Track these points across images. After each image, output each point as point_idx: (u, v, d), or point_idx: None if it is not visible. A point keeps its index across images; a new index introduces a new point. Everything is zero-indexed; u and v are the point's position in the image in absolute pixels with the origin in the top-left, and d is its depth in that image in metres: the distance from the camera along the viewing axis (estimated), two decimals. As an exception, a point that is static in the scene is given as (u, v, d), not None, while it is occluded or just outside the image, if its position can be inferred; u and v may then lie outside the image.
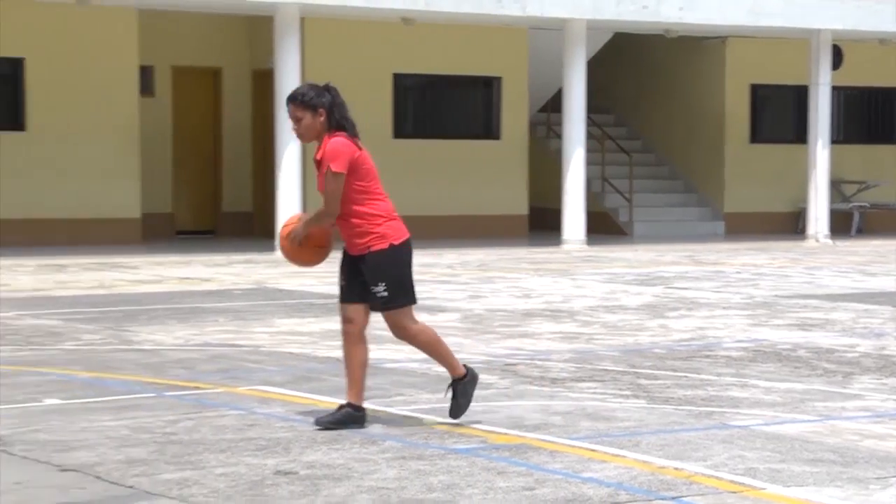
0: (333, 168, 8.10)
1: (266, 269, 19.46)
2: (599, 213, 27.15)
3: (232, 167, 25.86)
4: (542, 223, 26.45)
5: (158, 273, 18.65)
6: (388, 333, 12.75)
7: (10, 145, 22.71)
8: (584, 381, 10.35)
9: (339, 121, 8.22)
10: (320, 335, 12.70)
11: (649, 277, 18.86)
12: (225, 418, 8.73)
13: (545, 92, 27.26)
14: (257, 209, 25.66)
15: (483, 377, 10.43)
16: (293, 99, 8.21)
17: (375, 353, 11.60)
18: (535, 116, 28.19)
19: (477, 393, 9.68)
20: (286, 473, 7.25)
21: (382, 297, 8.31)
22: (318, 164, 8.22)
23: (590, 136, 25.73)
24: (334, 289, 15.18)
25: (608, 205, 27.89)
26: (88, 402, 9.25)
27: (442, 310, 14.82)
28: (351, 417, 8.37)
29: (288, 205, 21.94)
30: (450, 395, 8.52)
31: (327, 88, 8.26)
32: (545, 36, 25.68)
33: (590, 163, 25.58)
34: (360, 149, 8.30)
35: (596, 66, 26.38)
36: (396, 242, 8.33)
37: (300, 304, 15.40)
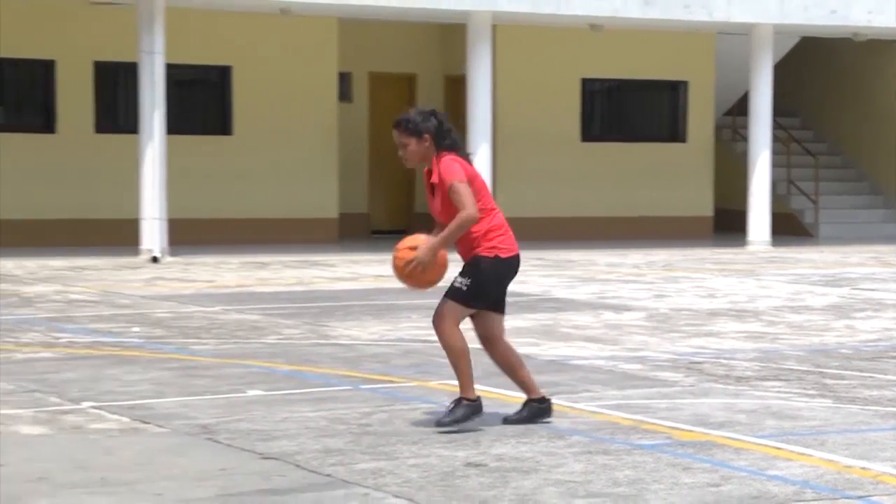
0: (457, 179, 8.03)
1: (456, 267, 19.51)
2: (785, 214, 26.77)
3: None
4: (727, 225, 26.19)
5: (354, 271, 18.84)
6: (576, 332, 12.76)
7: (218, 149, 23.15)
8: (768, 380, 10.22)
9: (448, 144, 8.15)
10: (510, 331, 12.68)
11: (835, 278, 18.54)
12: (417, 411, 8.78)
13: (731, 95, 26.97)
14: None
15: (668, 375, 10.38)
16: (398, 125, 8.14)
17: (562, 350, 11.62)
18: (721, 120, 27.90)
19: (662, 390, 9.65)
20: (476, 465, 7.27)
21: (458, 287, 8.18)
22: (436, 186, 8.14)
23: (775, 138, 25.40)
24: (524, 288, 15.22)
25: (794, 206, 27.48)
26: (289, 394, 9.39)
27: (627, 308, 14.74)
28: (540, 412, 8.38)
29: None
30: (450, 406, 8.26)
31: (433, 113, 8.19)
32: (732, 40, 25.40)
33: (775, 165, 25.30)
34: (472, 164, 8.23)
35: (782, 70, 26.04)
36: (503, 256, 8.23)
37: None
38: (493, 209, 8.24)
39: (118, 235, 21.39)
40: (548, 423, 8.35)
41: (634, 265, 20.35)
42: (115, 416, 8.54)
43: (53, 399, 9.10)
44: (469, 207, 8.00)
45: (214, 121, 23.50)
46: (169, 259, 20.06)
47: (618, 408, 8.98)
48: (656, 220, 25.84)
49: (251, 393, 9.42)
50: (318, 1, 21.07)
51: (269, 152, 23.43)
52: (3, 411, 8.63)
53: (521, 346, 11.65)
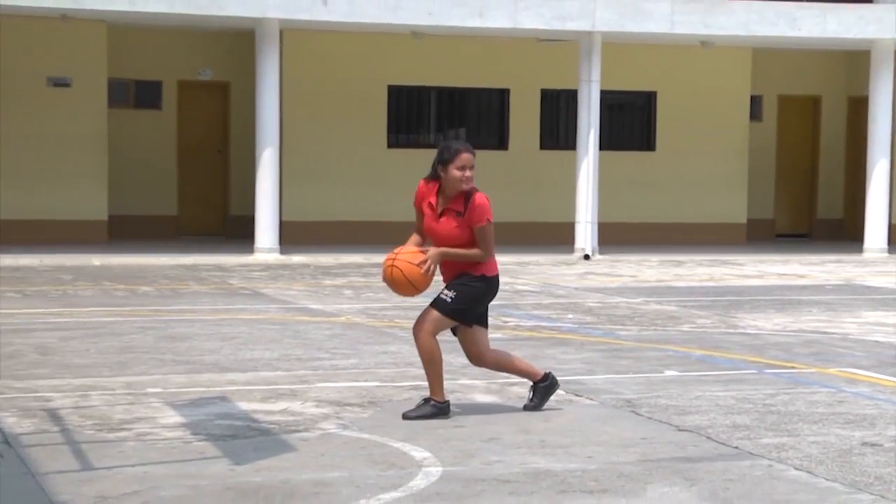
0: (489, 219, 7.58)
1: (854, 268, 18.92)
2: None
3: (827, 180, 25.33)
4: None
5: (760, 269, 18.49)
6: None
7: (642, 162, 23.18)
8: None
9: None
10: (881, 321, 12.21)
11: None
12: (817, 395, 8.56)
13: None
14: (847, 216, 25.04)
15: None
16: (471, 150, 7.69)
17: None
18: None
19: None
20: (872, 445, 7.03)
21: (444, 300, 7.59)
22: (454, 213, 7.59)
23: None
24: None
25: None
26: (701, 375, 9.31)
27: None
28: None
29: (876, 213, 21.24)
30: (420, 404, 7.70)
31: None
32: None
33: None
34: None
35: None
36: (489, 275, 7.69)
37: (886, 298, 14.87)
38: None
39: (557, 236, 21.69)
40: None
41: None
42: (553, 389, 8.66)
43: (502, 373, 9.29)
44: (490, 251, 7.60)
45: (640, 139, 23.52)
46: (598, 257, 20.21)
47: None
48: None
49: (668, 373, 9.39)
50: (735, 34, 20.76)
51: (687, 166, 23.30)
52: (461, 381, 8.88)
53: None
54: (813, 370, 9.65)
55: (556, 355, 10.17)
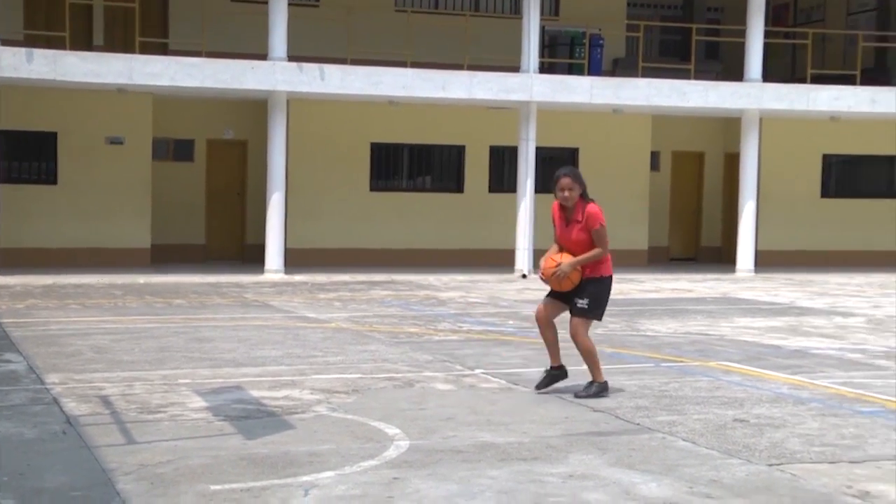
0: (603, 223, 7.76)
1: (729, 285, 19.00)
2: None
3: (709, 216, 25.43)
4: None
5: (658, 285, 18.55)
6: (815, 329, 12.17)
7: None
8: (958, 368, 9.51)
9: (587, 195, 7.87)
10: (765, 329, 12.27)
11: None
12: (700, 382, 8.58)
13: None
14: (724, 244, 25.14)
15: (882, 362, 9.79)
16: (569, 176, 7.78)
17: (803, 342, 11.09)
18: None
19: (878, 373, 9.10)
20: (741, 421, 7.04)
21: (582, 307, 7.75)
22: (579, 222, 7.77)
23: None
24: (779, 298, 14.58)
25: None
26: (611, 368, 9.26)
27: (852, 314, 14.00)
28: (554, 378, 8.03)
29: (745, 242, 21.35)
30: (586, 385, 7.86)
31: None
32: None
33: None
34: None
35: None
36: (606, 275, 7.84)
37: (752, 308, 14.94)
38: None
39: (501, 260, 21.67)
40: (788, 391, 7.97)
41: (858, 284, 19.30)
42: (497, 379, 8.64)
43: (457, 367, 9.29)
44: (606, 248, 7.76)
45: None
46: (533, 276, 20.20)
47: (844, 384, 8.53)
48: (876, 253, 24.42)
49: (586, 367, 9.36)
50: (639, 104, 20.85)
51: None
52: (425, 373, 8.85)
53: (774, 339, 11.23)
54: (697, 363, 9.67)
55: (500, 353, 10.15)
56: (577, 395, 7.82)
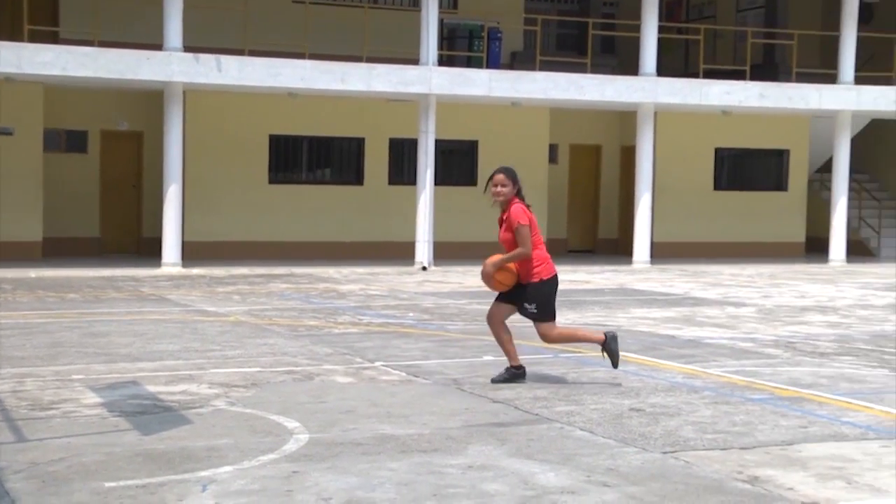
0: (522, 223, 7.80)
1: (626, 276, 19.31)
2: (856, 241, 25.70)
3: (606, 208, 25.79)
4: (815, 248, 25.25)
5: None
6: (708, 320, 12.45)
7: (467, 195, 23.27)
8: (843, 355, 9.82)
9: (521, 195, 7.95)
10: (661, 319, 12.49)
11: (891, 286, 17.73)
12: (597, 373, 8.69)
13: (820, 158, 26.00)
14: (621, 236, 25.53)
15: (771, 350, 10.06)
16: (505, 172, 7.89)
17: (697, 332, 11.33)
18: (813, 175, 26.92)
19: (767, 361, 9.34)
20: (637, 410, 7.16)
21: (533, 312, 7.92)
22: (505, 221, 7.90)
23: (851, 189, 24.42)
24: (674, 289, 14.87)
25: (863, 235, 26.34)
26: (511, 359, 9.38)
27: (743, 304, 14.35)
28: (514, 375, 8.11)
29: (642, 234, 21.72)
30: (603, 354, 8.09)
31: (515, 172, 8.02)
32: (822, 121, 24.50)
33: (850, 207, 24.35)
34: (531, 212, 8.00)
35: (857, 141, 25.04)
36: (546, 278, 7.95)
37: (648, 299, 15.20)
38: (541, 244, 7.98)
39: (402, 252, 21.69)
40: (683, 380, 8.14)
41: (749, 275, 19.80)
42: (397, 372, 8.64)
43: (357, 359, 9.26)
44: (528, 247, 7.81)
45: (466, 176, 23.61)
46: (433, 268, 20.26)
47: (736, 372, 8.73)
48: (766, 244, 25.06)
49: (486, 358, 9.44)
50: (537, 97, 21.01)
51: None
52: (325, 367, 8.80)
53: (669, 329, 11.44)
54: (594, 354, 9.76)
55: (400, 345, 10.15)
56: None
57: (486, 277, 7.92)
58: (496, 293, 8.12)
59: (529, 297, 7.90)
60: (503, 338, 8.09)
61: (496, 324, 8.06)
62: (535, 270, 7.92)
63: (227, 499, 4.99)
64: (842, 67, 22.69)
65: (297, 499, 5.00)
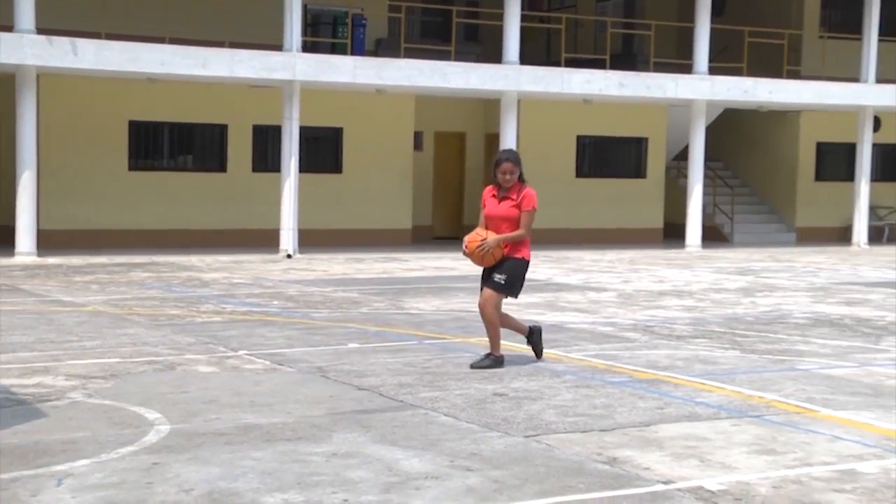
0: (536, 206, 8.19)
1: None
2: (711, 227, 26.54)
3: (470, 194, 25.98)
4: (672, 233, 25.96)
5: (422, 264, 18.83)
6: (570, 305, 12.66)
7: (332, 182, 23.16)
8: (698, 338, 10.13)
9: (524, 178, 8.28)
10: (524, 305, 12.64)
11: (743, 270, 18.37)
12: (461, 358, 8.75)
13: (677, 147, 26.73)
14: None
15: (630, 334, 10.31)
16: (511, 159, 8.18)
17: (560, 317, 11.54)
18: (670, 163, 27.66)
19: (626, 345, 9.56)
20: (500, 395, 7.24)
21: (497, 281, 8.19)
22: (513, 200, 8.13)
23: (706, 176, 25.19)
24: (537, 275, 15.08)
25: (717, 221, 27.22)
26: (376, 346, 9.38)
27: (604, 289, 14.66)
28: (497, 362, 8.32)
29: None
30: (483, 356, 8.33)
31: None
32: (678, 110, 25.19)
33: (705, 194, 25.11)
34: None
35: (711, 130, 25.82)
36: (526, 259, 8.27)
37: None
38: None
39: (266, 240, 21.47)
40: (545, 364, 8.28)
41: (609, 261, 20.24)
42: (261, 360, 8.55)
43: (220, 348, 9.13)
44: (529, 230, 8.21)
45: (331, 163, 23.51)
46: (298, 256, 20.12)
47: (596, 356, 8.92)
48: (626, 230, 25.66)
49: (351, 345, 9.43)
50: (402, 84, 21.04)
51: (367, 185, 23.44)
52: (187, 356, 8.66)
53: (531, 315, 11.61)
54: (459, 340, 9.87)
55: (264, 334, 10.05)
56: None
57: (483, 251, 8.08)
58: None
59: (505, 268, 8.16)
60: (506, 322, 8.34)
61: (495, 307, 8.19)
62: (522, 249, 8.21)
63: (84, 493, 4.86)
64: (696, 58, 23.34)
65: (157, 491, 4.91)
